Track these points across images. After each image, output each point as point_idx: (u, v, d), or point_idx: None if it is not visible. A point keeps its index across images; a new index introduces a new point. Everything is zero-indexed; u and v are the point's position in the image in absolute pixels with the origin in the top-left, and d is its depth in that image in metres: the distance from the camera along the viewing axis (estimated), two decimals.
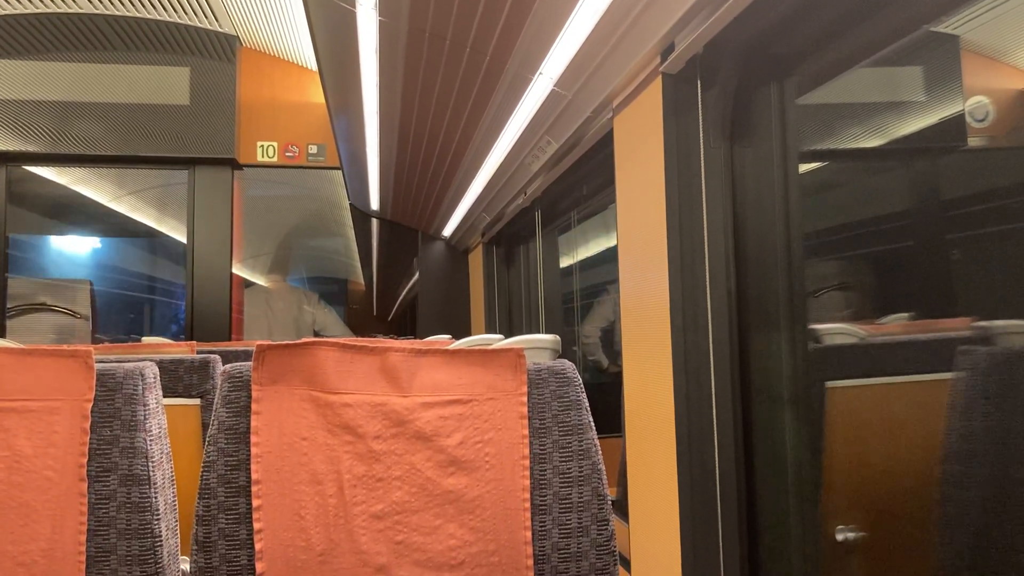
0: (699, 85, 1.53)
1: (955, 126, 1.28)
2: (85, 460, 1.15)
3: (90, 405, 1.17)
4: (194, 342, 2.51)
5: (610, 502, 1.15)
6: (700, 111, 1.53)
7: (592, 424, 1.15)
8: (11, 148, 4.88)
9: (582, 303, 4.20)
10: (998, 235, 1.18)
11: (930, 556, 1.32)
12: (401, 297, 12.34)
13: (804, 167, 1.59)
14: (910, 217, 1.41)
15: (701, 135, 1.53)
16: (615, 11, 1.49)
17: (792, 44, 1.47)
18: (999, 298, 1.18)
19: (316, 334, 6.20)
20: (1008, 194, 1.16)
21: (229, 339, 5.08)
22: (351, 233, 9.00)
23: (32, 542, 1.13)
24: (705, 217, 1.56)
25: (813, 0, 1.28)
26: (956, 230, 1.29)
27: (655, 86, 1.57)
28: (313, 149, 5.27)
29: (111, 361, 1.25)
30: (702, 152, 1.54)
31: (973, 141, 1.24)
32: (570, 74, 1.83)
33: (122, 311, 8.06)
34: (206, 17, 4.80)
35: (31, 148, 4.88)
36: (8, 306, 5.15)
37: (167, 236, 7.54)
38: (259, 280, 7.44)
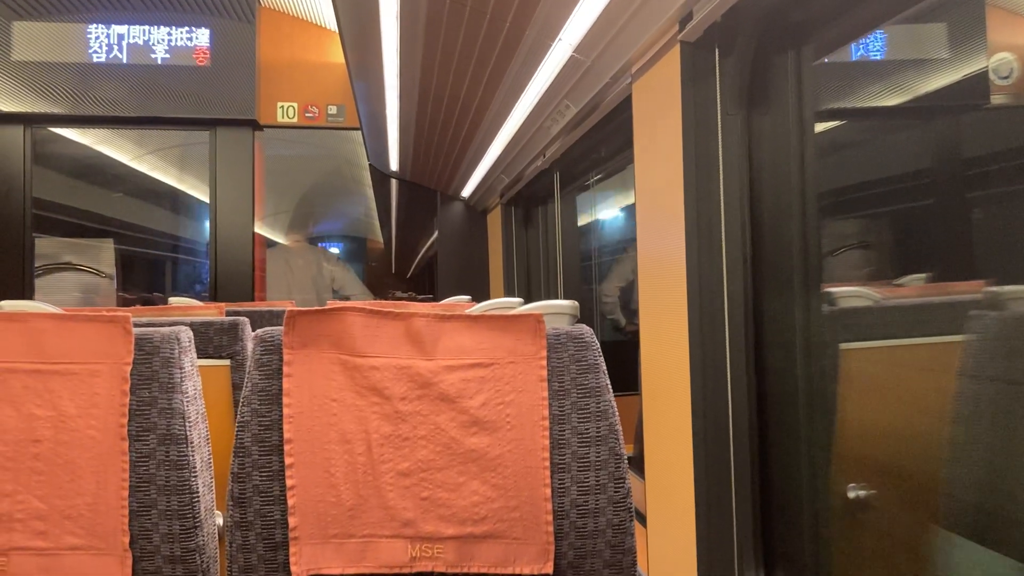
0: (717, 53, 1.54)
1: (978, 83, 1.27)
2: (125, 420, 1.21)
3: (129, 368, 1.22)
4: (223, 304, 2.56)
5: (626, 460, 1.19)
6: (718, 78, 1.55)
7: (609, 387, 1.20)
8: (34, 110, 4.91)
9: (599, 261, 4.20)
10: (1019, 194, 1.19)
11: (937, 513, 1.36)
12: (420, 255, 12.38)
13: (823, 126, 1.59)
14: (929, 176, 1.42)
15: (719, 102, 1.55)
16: None
17: (810, 11, 1.48)
18: (1019, 256, 1.19)
19: (335, 292, 6.27)
20: None
21: (252, 298, 5.14)
22: (370, 192, 9.03)
23: (78, 496, 1.19)
24: (722, 182, 1.58)
25: None
26: (976, 189, 1.30)
27: (673, 53, 1.59)
28: (332, 110, 5.28)
29: (146, 325, 1.30)
30: (719, 119, 1.55)
31: (996, 99, 1.23)
32: (589, 41, 1.84)
33: (144, 269, 8.14)
34: None
35: (54, 110, 4.92)
36: (36, 265, 5.22)
37: (188, 195, 7.60)
38: (279, 239, 7.49)
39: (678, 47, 1.56)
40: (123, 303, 6.06)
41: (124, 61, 4.96)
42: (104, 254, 5.90)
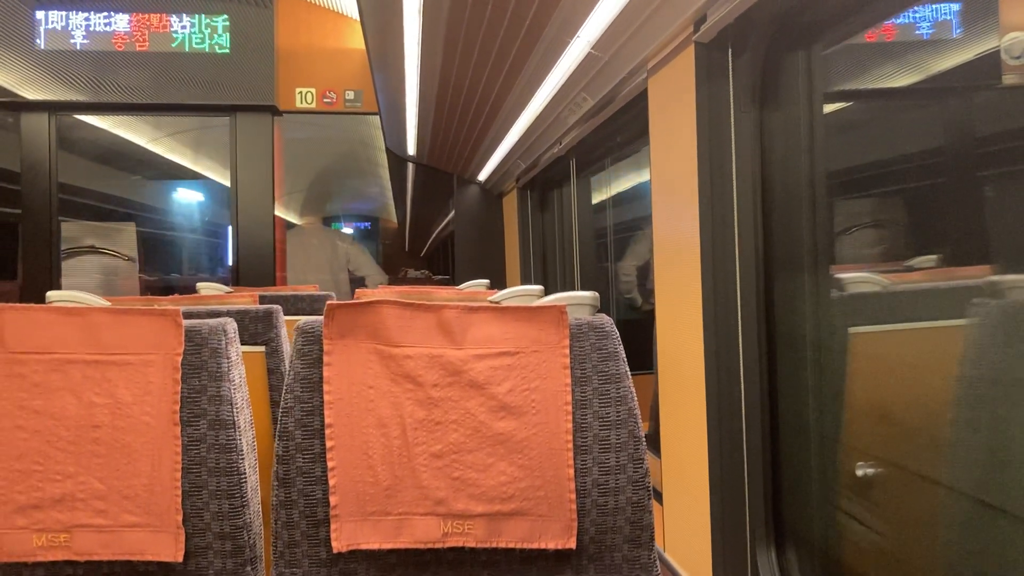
0: (730, 53, 1.59)
1: (990, 63, 1.26)
2: (178, 407, 1.29)
3: (180, 358, 1.30)
4: (253, 289, 2.64)
5: (644, 442, 1.26)
6: (731, 77, 1.60)
7: (628, 373, 1.26)
8: (58, 98, 4.98)
9: (616, 239, 4.21)
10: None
11: (941, 492, 1.41)
12: (434, 235, 12.40)
13: (833, 106, 1.61)
14: (939, 156, 1.44)
15: (731, 100, 1.60)
16: None
17: (819, 12, 1.52)
18: None
19: (351, 274, 6.32)
20: None
21: (274, 281, 5.21)
22: (384, 173, 9.04)
23: (135, 478, 1.28)
24: (735, 175, 1.63)
25: None
26: (986, 169, 1.32)
27: (687, 53, 1.64)
28: (350, 95, 5.32)
29: (187, 316, 1.38)
30: (732, 116, 1.61)
31: (1008, 78, 1.23)
32: (606, 39, 1.89)
33: (164, 251, 8.22)
34: None
35: (77, 97, 4.99)
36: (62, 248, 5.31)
37: (206, 177, 7.66)
38: (294, 219, 7.53)
39: (692, 47, 1.61)
40: (144, 285, 6.15)
41: (146, 49, 5.01)
42: (126, 237, 5.97)
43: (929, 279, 1.47)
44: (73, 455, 1.27)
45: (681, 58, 1.68)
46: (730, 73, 1.60)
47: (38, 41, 4.92)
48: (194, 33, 5.04)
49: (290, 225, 7.09)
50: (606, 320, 1.28)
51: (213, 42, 5.06)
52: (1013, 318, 1.25)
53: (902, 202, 1.57)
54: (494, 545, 1.21)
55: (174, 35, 5.03)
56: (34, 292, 5.02)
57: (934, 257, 1.47)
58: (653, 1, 1.60)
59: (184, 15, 5.03)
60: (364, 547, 1.20)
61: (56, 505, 1.27)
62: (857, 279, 1.63)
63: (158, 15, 5.02)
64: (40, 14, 4.92)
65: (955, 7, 1.39)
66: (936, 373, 1.44)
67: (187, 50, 5.04)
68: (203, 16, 5.05)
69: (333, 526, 1.20)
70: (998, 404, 1.27)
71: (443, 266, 12.37)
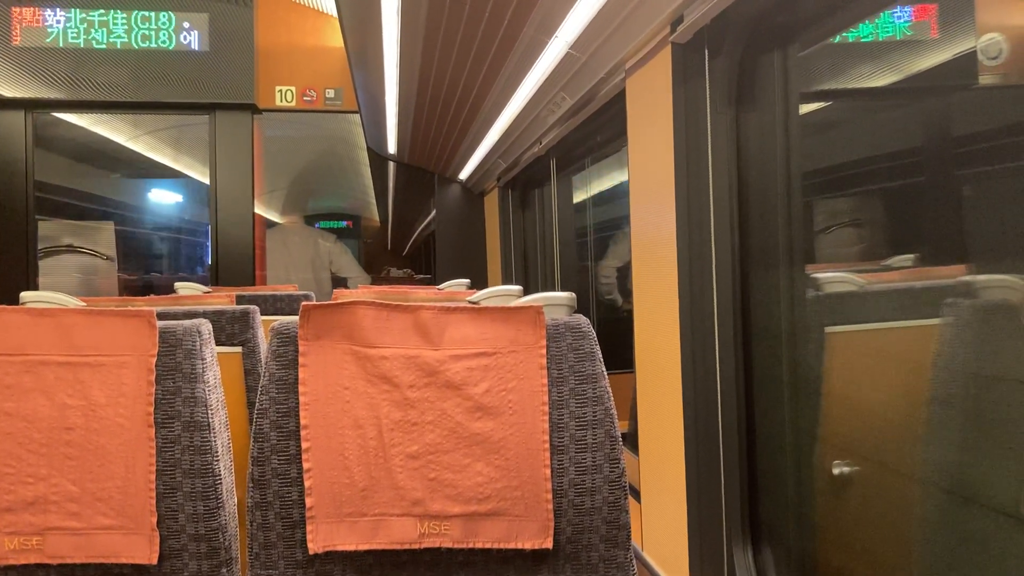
0: (706, 54, 1.60)
1: (966, 64, 1.28)
2: (152, 409, 1.28)
3: (154, 360, 1.29)
4: (231, 289, 2.63)
5: (620, 442, 1.27)
6: (707, 78, 1.61)
7: (604, 373, 1.27)
8: (35, 95, 4.94)
9: (596, 239, 4.22)
10: (1004, 174, 1.21)
11: (916, 489, 1.43)
12: (416, 233, 12.39)
13: (809, 107, 1.62)
14: (916, 156, 1.45)
15: (708, 100, 1.61)
16: None
17: (796, 13, 1.53)
18: (1002, 237, 1.23)
19: (333, 274, 6.30)
20: (1018, 132, 1.17)
21: (253, 281, 5.19)
22: (366, 171, 9.03)
23: (109, 480, 1.27)
24: (711, 177, 1.64)
25: None
26: (960, 169, 1.33)
27: (665, 53, 1.65)
28: (330, 93, 5.31)
29: (163, 316, 1.37)
30: (708, 116, 1.62)
31: (984, 79, 1.24)
32: (584, 39, 1.90)
33: (142, 250, 8.17)
34: None
35: (54, 95, 4.94)
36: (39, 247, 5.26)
37: (186, 176, 7.61)
38: (276, 218, 7.50)
39: (669, 48, 1.62)
40: (123, 284, 6.11)
41: (124, 46, 4.97)
42: (104, 236, 5.94)
43: (904, 279, 1.49)
44: (46, 457, 1.27)
45: (658, 59, 1.69)
46: (706, 73, 1.61)
47: (14, 37, 4.87)
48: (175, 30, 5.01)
49: (271, 224, 7.06)
50: (583, 320, 1.29)
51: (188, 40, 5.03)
52: (985, 317, 1.27)
53: (877, 202, 1.58)
54: (471, 546, 1.21)
55: (154, 33, 4.99)
56: (9, 292, 4.97)
57: (910, 257, 1.49)
58: (630, 2, 1.61)
59: (165, 12, 4.99)
60: (340, 548, 1.20)
61: (28, 508, 1.26)
62: (833, 279, 1.65)
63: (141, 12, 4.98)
64: (16, 10, 4.87)
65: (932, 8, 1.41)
66: (911, 372, 1.46)
67: (170, 48, 5.00)
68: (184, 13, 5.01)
69: (309, 527, 1.20)
70: (969, 401, 1.29)
71: (426, 265, 12.37)
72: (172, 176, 7.73)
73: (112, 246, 5.92)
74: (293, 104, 5.29)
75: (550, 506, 1.21)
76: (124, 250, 6.19)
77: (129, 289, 6.35)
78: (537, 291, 1.32)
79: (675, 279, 1.72)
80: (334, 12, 5.00)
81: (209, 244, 5.28)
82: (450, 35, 2.29)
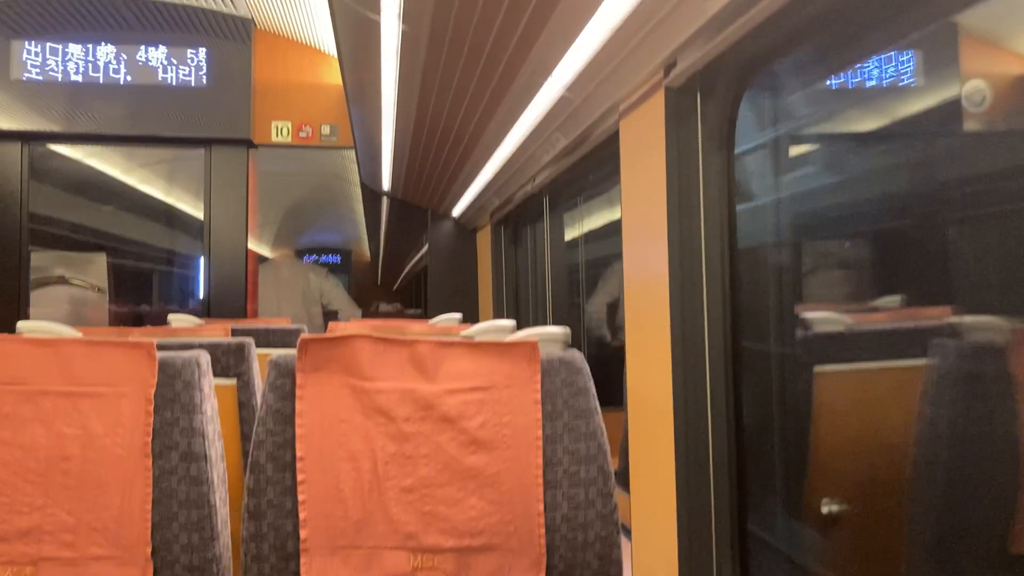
0: (699, 98, 1.64)
1: (951, 110, 1.31)
2: (150, 439, 1.29)
3: (153, 391, 1.31)
4: (226, 321, 2.64)
5: (613, 478, 1.28)
6: (699, 121, 1.64)
7: (598, 409, 1.28)
8: (32, 128, 4.96)
9: (588, 275, 4.25)
10: (989, 217, 1.23)
11: (904, 527, 1.44)
12: (407, 269, 12.41)
13: (799, 149, 1.64)
14: (902, 200, 1.47)
15: (700, 143, 1.64)
16: (623, 31, 1.59)
17: (786, 60, 1.57)
18: (987, 281, 1.25)
19: (324, 307, 6.30)
20: (1003, 178, 1.20)
21: (245, 314, 5.19)
22: (357, 206, 9.07)
23: (105, 510, 1.28)
24: (703, 218, 1.67)
25: (808, 24, 1.34)
26: (947, 214, 1.34)
27: (658, 97, 1.68)
28: (326, 129, 5.35)
29: (160, 348, 1.39)
30: (700, 159, 1.65)
31: (969, 125, 1.27)
32: (579, 82, 1.94)
33: (134, 282, 8.16)
34: (222, 0, 4.88)
35: (51, 127, 4.97)
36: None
37: (178, 209, 7.63)
38: (266, 252, 7.52)
39: (663, 91, 1.66)
40: (114, 316, 6.10)
41: (122, 80, 5.01)
42: (96, 267, 5.94)
43: (892, 319, 1.51)
44: (41, 487, 1.27)
45: (652, 102, 1.72)
46: (699, 117, 1.64)
47: (13, 71, 4.91)
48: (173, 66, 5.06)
49: (262, 259, 7.07)
50: (577, 355, 1.31)
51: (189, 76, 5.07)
52: (971, 358, 1.29)
53: (864, 243, 1.61)
54: None
55: (151, 68, 5.04)
56: (1, 323, 4.95)
57: (897, 298, 1.51)
58: (626, 47, 1.64)
59: (163, 46, 5.04)
60: None
61: (23, 537, 1.26)
62: (821, 319, 1.67)
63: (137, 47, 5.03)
64: (16, 44, 4.91)
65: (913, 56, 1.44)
66: (899, 412, 1.47)
67: (165, 83, 5.05)
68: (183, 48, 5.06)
69: (303, 560, 1.21)
70: (953, 441, 1.30)
71: (415, 300, 12.39)
72: (166, 209, 7.75)
73: (104, 277, 5.91)
74: (289, 139, 5.33)
75: (543, 541, 1.23)
76: (115, 281, 6.18)
77: (120, 320, 6.34)
78: (528, 326, 1.34)
79: (667, 318, 1.74)
80: (332, 50, 5.07)
81: (200, 277, 5.27)
82: (448, 75, 2.33)
